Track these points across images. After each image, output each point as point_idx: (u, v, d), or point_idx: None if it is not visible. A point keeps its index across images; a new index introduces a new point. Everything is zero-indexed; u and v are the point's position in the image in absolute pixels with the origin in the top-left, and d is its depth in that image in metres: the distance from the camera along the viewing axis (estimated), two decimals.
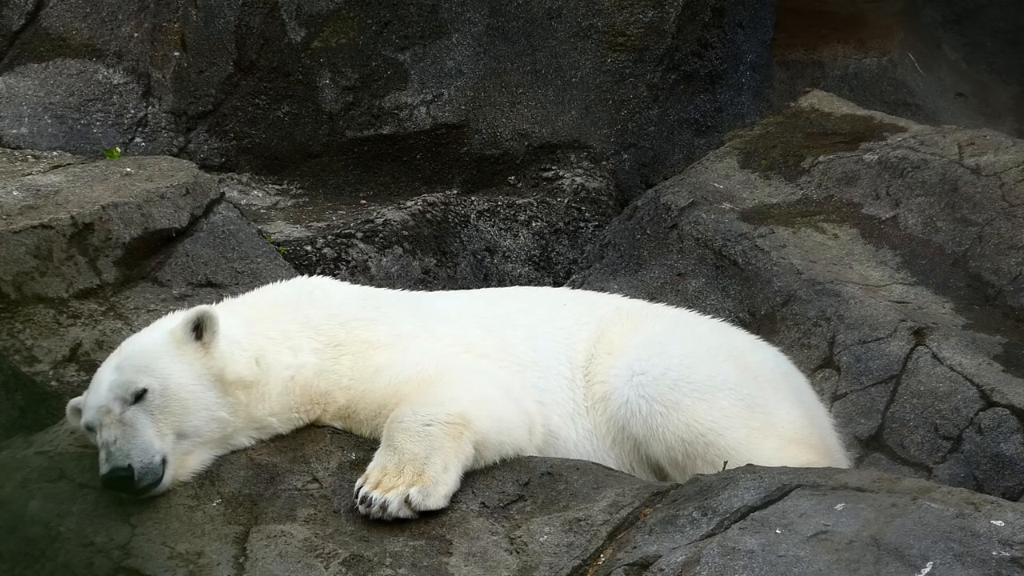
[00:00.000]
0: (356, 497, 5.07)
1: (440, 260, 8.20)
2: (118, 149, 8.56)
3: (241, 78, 8.96)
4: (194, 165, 7.51)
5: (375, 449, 5.20)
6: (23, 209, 6.85)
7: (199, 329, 5.26)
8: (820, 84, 9.84)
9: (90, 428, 5.19)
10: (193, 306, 5.65)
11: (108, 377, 5.19)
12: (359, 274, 7.83)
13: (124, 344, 5.39)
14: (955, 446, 6.50)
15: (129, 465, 5.03)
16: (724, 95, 9.35)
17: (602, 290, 7.23)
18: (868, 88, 10.31)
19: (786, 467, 5.09)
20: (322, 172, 8.94)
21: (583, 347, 5.69)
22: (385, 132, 8.96)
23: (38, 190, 7.07)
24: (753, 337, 6.03)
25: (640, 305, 6.05)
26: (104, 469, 5.04)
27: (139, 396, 5.14)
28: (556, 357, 5.65)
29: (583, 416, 5.58)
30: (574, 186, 8.74)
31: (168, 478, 5.13)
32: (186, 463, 5.20)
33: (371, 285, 7.17)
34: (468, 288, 7.89)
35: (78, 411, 5.32)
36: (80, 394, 5.42)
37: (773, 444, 5.40)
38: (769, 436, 5.43)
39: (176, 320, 5.35)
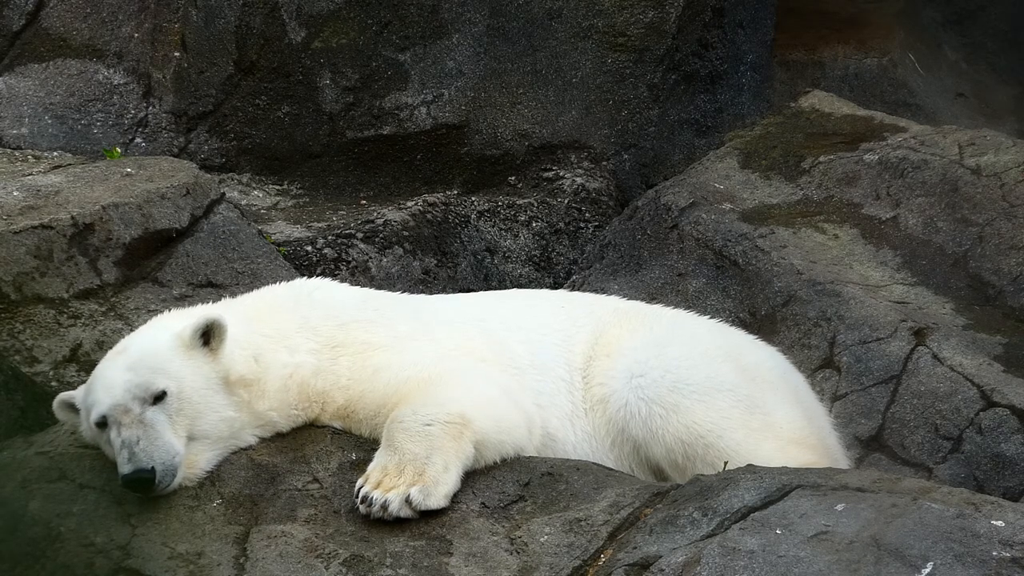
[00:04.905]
0: (357, 497, 5.07)
1: (440, 260, 8.20)
2: (118, 149, 8.56)
3: (241, 78, 8.97)
4: (194, 165, 7.51)
5: (375, 449, 5.20)
6: (23, 209, 6.85)
7: (207, 334, 5.27)
8: (820, 84, 9.85)
9: (101, 425, 5.18)
10: (193, 306, 5.66)
11: (122, 376, 5.18)
12: (359, 274, 7.83)
13: (127, 343, 5.38)
14: (955, 446, 6.50)
15: (152, 467, 5.04)
16: (724, 95, 9.36)
17: (602, 290, 7.25)
18: (868, 88, 10.31)
19: (786, 467, 5.09)
20: (322, 172, 8.95)
21: (581, 349, 5.69)
22: (385, 132, 8.97)
23: (38, 190, 7.07)
24: (752, 338, 6.03)
25: (638, 306, 6.05)
26: (126, 469, 5.04)
27: (158, 398, 5.15)
28: (554, 360, 5.65)
29: (582, 418, 5.58)
30: (574, 186, 8.74)
31: (179, 478, 5.15)
32: (196, 463, 5.22)
33: (371, 285, 7.19)
34: (468, 288, 7.90)
35: (70, 406, 5.33)
36: None
37: (772, 445, 5.40)
38: (768, 437, 5.43)
39: (181, 322, 5.34)
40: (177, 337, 5.28)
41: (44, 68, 8.88)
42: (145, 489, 5.07)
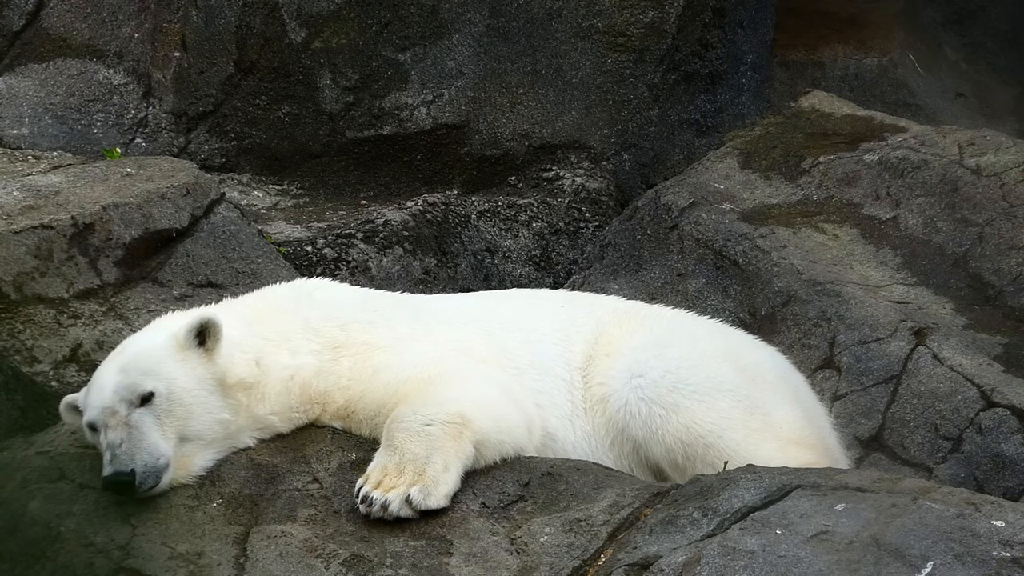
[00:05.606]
0: (357, 497, 5.07)
1: (440, 260, 8.20)
2: (118, 149, 8.57)
3: (241, 78, 8.97)
4: (194, 165, 7.51)
5: (375, 449, 5.20)
6: (24, 209, 6.85)
7: (202, 335, 5.26)
8: (820, 84, 9.85)
9: (93, 428, 5.19)
10: (193, 307, 5.67)
11: (113, 378, 5.18)
12: (360, 274, 7.83)
13: (125, 345, 5.39)
14: (955, 446, 6.50)
15: (132, 470, 5.04)
16: (724, 95, 9.36)
17: (602, 290, 7.25)
18: (868, 88, 10.31)
19: (786, 467, 5.09)
20: (322, 172, 8.95)
21: (581, 349, 5.69)
22: (385, 132, 8.97)
23: (39, 190, 7.07)
24: (752, 338, 6.03)
25: (638, 306, 6.05)
26: (107, 471, 5.04)
27: (146, 399, 5.15)
28: (554, 360, 5.65)
29: (581, 418, 5.58)
30: (574, 186, 8.74)
31: (166, 480, 5.14)
32: (188, 465, 5.20)
33: (372, 285, 7.19)
34: (468, 288, 7.90)
35: (75, 408, 5.33)
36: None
37: (772, 445, 5.40)
38: (768, 437, 5.43)
39: (178, 323, 5.34)
40: (172, 338, 5.27)
41: (44, 68, 8.88)
42: (126, 491, 5.06)
